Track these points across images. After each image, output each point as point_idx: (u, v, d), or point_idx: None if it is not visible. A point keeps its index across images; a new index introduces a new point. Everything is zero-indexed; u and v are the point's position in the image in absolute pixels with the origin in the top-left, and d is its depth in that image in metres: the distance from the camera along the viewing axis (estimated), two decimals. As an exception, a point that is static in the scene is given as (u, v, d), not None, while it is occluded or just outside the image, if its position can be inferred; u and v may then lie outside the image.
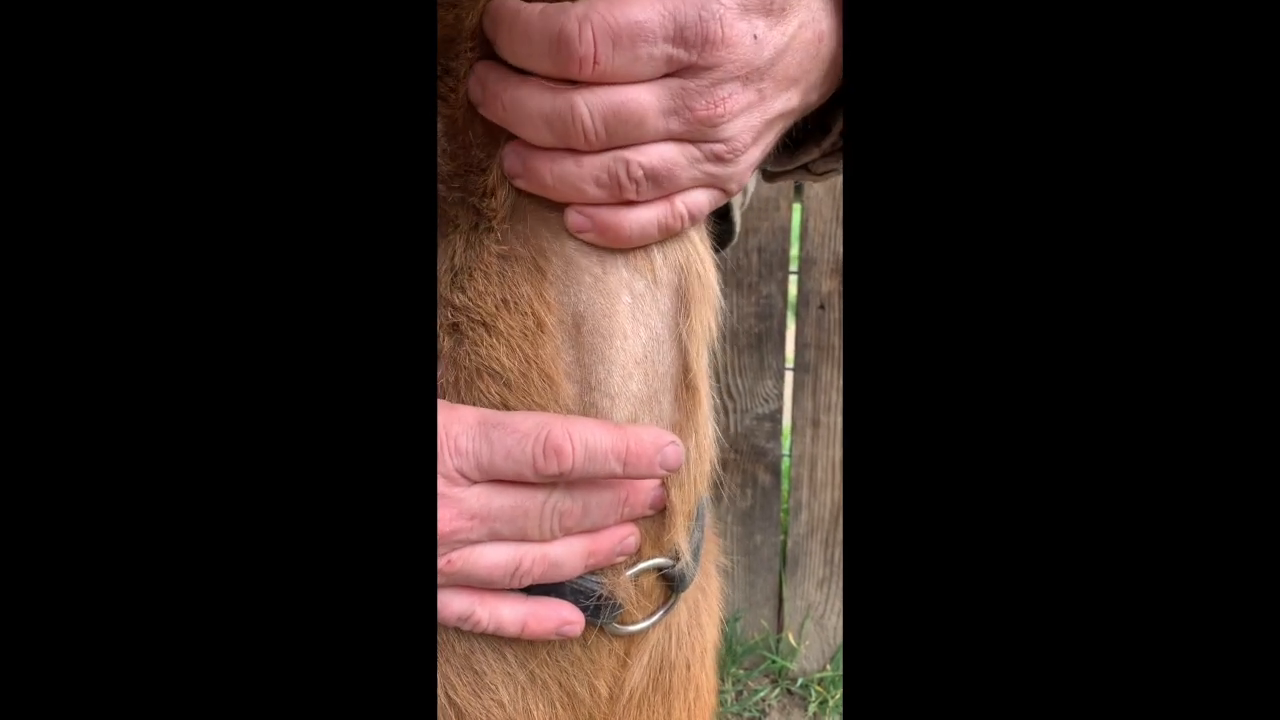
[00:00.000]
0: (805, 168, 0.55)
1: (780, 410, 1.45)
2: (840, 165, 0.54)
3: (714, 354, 0.49)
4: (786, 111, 0.44)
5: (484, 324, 0.44)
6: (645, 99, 0.40)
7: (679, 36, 0.39)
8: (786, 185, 1.32)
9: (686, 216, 0.44)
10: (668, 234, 0.44)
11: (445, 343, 0.44)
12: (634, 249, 0.45)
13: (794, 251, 1.39)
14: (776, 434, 1.46)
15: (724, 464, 1.56)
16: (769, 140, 0.45)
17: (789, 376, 1.45)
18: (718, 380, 1.42)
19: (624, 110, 0.40)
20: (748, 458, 1.47)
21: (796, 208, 1.36)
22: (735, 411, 1.44)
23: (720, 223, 0.70)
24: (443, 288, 0.44)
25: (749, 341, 1.41)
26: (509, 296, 0.43)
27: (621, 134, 0.41)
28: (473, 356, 0.44)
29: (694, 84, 0.40)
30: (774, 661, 1.54)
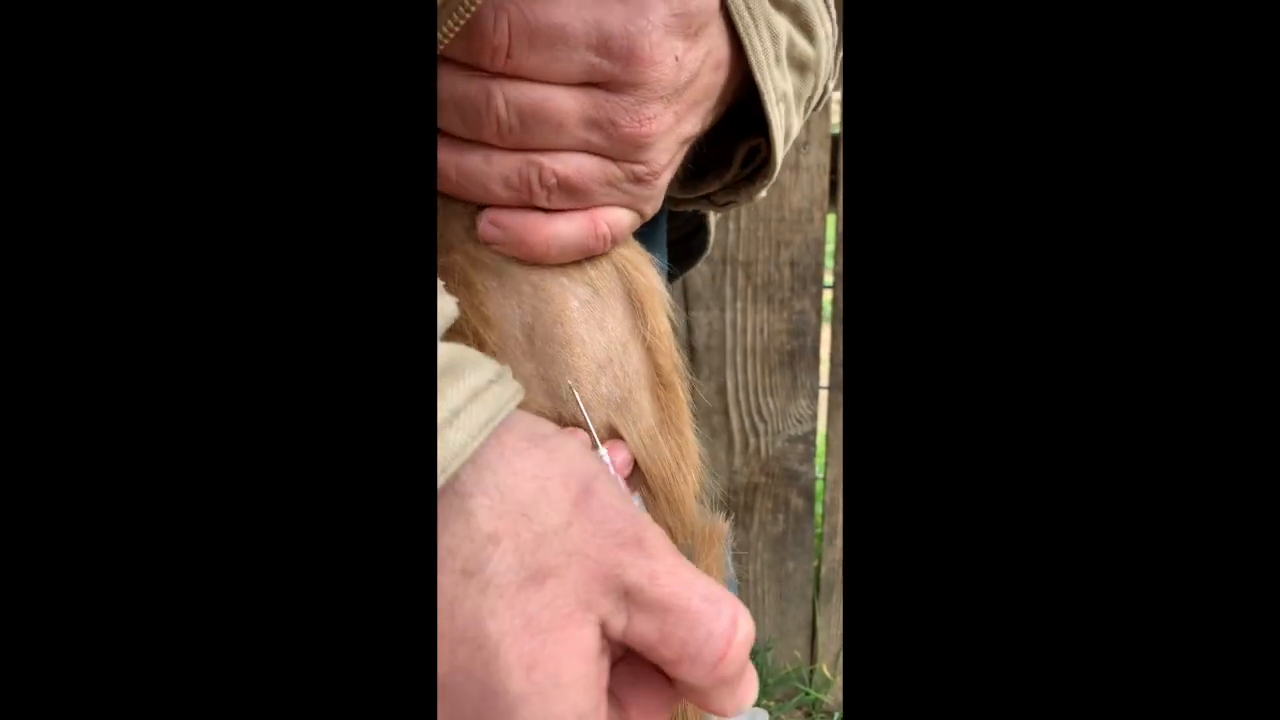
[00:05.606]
0: (708, 198, 0.54)
1: (814, 431, 1.38)
2: (738, 197, 0.53)
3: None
4: (692, 135, 0.43)
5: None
6: (567, 103, 0.38)
7: (603, 46, 0.37)
8: (820, 193, 1.25)
9: (609, 237, 0.42)
10: (586, 255, 0.42)
11: None
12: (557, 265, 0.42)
13: (829, 263, 1.31)
14: (810, 456, 1.38)
15: (754, 488, 1.49)
16: (677, 163, 0.44)
17: (823, 396, 1.37)
18: (747, 401, 1.36)
19: (543, 109, 0.38)
20: (779, 481, 1.39)
21: (831, 218, 1.29)
22: (766, 433, 1.37)
23: (695, 234, 0.71)
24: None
25: (780, 360, 1.33)
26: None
27: (537, 133, 0.38)
28: None
29: (619, 100, 0.39)
30: (807, 694, 1.47)
